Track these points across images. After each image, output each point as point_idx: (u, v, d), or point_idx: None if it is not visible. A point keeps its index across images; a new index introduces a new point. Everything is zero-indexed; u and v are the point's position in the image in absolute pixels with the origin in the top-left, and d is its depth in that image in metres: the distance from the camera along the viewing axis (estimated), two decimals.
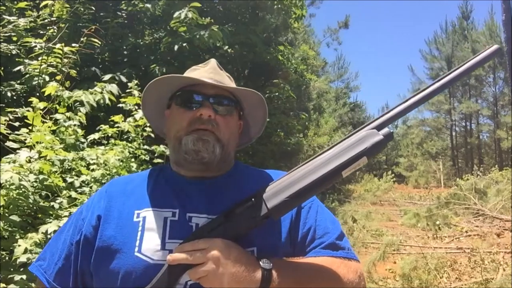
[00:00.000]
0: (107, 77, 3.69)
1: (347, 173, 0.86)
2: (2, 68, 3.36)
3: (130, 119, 3.19)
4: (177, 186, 1.00)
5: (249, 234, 0.89)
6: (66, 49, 3.24)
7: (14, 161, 2.28)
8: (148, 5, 5.81)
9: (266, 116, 1.09)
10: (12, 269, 2.01)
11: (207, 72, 1.03)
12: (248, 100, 1.05)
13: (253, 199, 0.88)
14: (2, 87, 3.62)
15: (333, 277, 0.88)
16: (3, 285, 1.93)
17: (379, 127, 0.88)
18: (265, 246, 0.90)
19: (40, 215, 2.27)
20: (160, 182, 1.02)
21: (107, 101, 3.15)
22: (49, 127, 2.64)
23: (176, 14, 5.20)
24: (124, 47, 5.71)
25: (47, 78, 3.15)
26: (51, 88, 2.88)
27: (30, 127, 2.57)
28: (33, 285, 1.96)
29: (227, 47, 5.95)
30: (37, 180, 2.29)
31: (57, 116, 2.80)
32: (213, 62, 1.08)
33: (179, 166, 1.02)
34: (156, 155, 3.30)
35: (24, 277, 1.96)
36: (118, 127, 3.15)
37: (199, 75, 1.02)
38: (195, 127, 0.96)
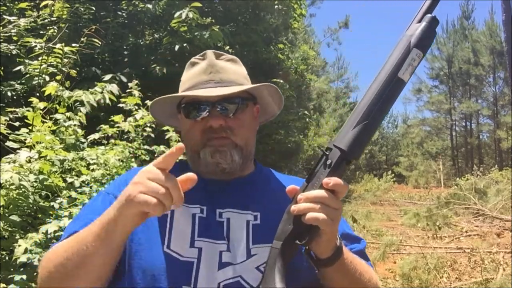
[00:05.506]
0: (107, 77, 3.69)
1: (407, 75, 0.80)
2: (2, 68, 3.36)
3: (130, 119, 3.18)
4: (204, 183, 0.94)
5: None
6: (66, 49, 3.25)
7: (14, 161, 2.28)
8: (149, 5, 5.80)
9: (280, 93, 1.01)
10: (12, 269, 2.01)
11: (206, 73, 0.96)
12: (257, 87, 0.97)
13: (326, 152, 0.82)
14: (2, 87, 3.62)
15: (374, 283, 0.91)
16: (3, 285, 1.93)
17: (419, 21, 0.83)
18: None
19: (40, 215, 2.27)
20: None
21: (107, 101, 3.15)
22: (49, 127, 2.64)
23: (176, 14, 5.20)
24: (124, 47, 5.71)
25: (47, 78, 3.15)
26: (51, 88, 2.88)
27: (30, 127, 2.58)
28: (33, 285, 1.96)
29: (227, 47, 5.94)
30: (37, 180, 2.29)
31: (57, 116, 2.80)
32: (210, 56, 0.99)
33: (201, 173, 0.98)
34: (156, 155, 3.30)
35: (24, 277, 1.96)
36: (118, 127, 3.14)
37: (198, 78, 0.96)
38: (209, 136, 0.92)
